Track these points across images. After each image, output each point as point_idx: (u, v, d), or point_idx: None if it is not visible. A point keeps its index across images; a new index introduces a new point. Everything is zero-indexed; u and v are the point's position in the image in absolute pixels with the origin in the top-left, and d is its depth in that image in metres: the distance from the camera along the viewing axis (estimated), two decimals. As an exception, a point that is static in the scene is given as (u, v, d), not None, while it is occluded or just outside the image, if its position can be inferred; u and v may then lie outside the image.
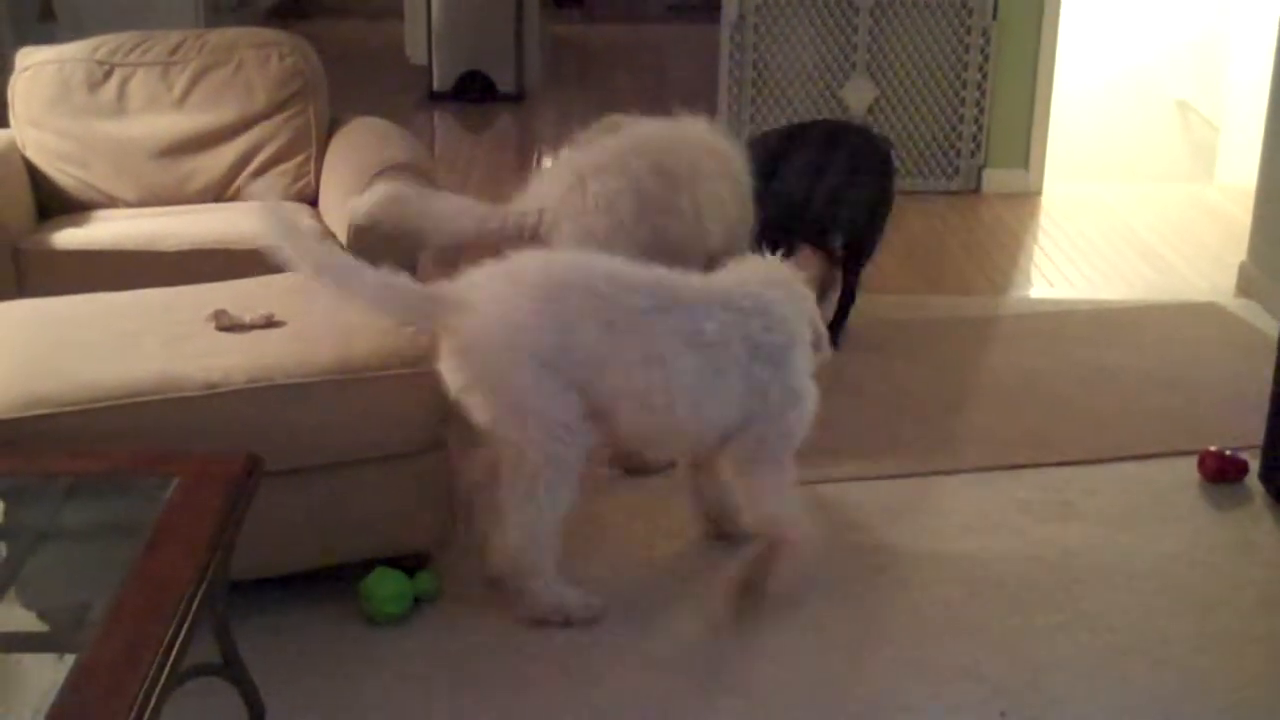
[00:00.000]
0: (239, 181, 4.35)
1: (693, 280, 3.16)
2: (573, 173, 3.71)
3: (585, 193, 3.65)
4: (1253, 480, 3.76)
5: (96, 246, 3.93)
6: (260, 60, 4.38)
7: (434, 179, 4.09)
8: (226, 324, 3.15)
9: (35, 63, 4.30)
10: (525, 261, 3.07)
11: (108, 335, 3.10)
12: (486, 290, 3.00)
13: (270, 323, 3.18)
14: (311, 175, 4.37)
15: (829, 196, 4.41)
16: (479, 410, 3.00)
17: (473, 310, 2.96)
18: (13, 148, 4.24)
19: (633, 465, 3.73)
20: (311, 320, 3.21)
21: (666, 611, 3.19)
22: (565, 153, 3.89)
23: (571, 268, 3.06)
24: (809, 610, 3.19)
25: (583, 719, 2.82)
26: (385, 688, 2.89)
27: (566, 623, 3.09)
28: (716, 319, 3.04)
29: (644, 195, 3.67)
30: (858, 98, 6.29)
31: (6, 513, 2.60)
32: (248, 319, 3.17)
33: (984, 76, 6.29)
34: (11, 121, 4.28)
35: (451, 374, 2.99)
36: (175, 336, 3.10)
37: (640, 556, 3.41)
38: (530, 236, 3.60)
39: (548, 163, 3.58)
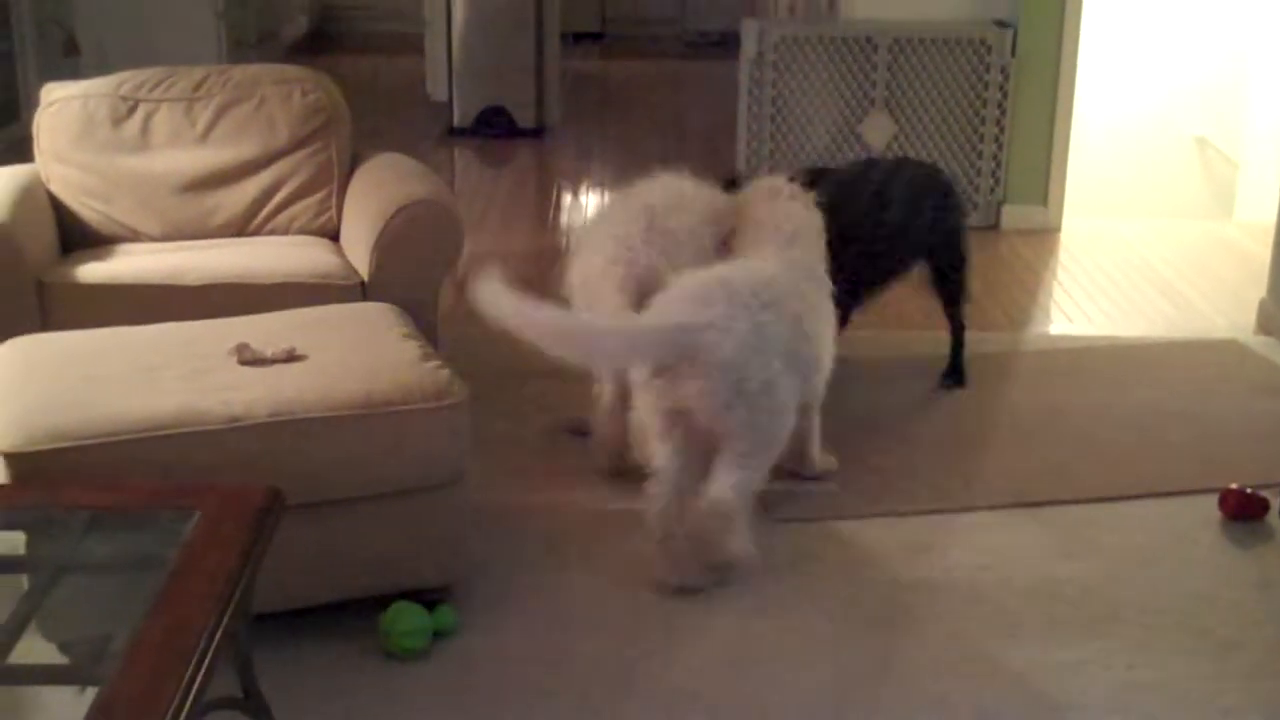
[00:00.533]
0: (261, 216, 4.37)
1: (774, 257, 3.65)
2: (642, 210, 3.83)
3: (657, 228, 3.79)
4: (1274, 518, 3.75)
5: (119, 280, 3.95)
6: (283, 96, 4.41)
7: (456, 214, 4.11)
8: (248, 358, 3.17)
9: (60, 98, 4.33)
10: (716, 276, 3.41)
11: (130, 369, 3.12)
12: (717, 309, 3.28)
13: (292, 357, 3.19)
14: (334, 211, 4.39)
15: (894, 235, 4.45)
16: (728, 419, 3.27)
17: (719, 330, 3.24)
18: (37, 182, 4.26)
19: (619, 466, 3.85)
20: (334, 354, 3.22)
21: (685, 641, 3.18)
22: (623, 193, 4.00)
23: (746, 269, 3.50)
24: (826, 646, 3.18)
25: (601, 754, 2.83)
26: (404, 722, 2.89)
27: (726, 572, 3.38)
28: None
29: (705, 234, 3.85)
30: (876, 134, 6.31)
31: (29, 545, 2.61)
32: (269, 353, 3.19)
33: (1003, 113, 6.30)
34: (36, 156, 4.30)
35: (707, 396, 3.24)
36: (197, 370, 3.11)
37: (657, 592, 3.40)
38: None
39: (588, 199, 3.74)
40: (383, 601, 3.13)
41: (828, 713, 2.95)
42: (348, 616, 3.16)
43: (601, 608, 3.32)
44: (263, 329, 3.35)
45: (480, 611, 3.26)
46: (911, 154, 6.31)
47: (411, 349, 3.27)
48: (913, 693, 3.02)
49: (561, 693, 3.00)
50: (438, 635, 3.14)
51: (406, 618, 3.09)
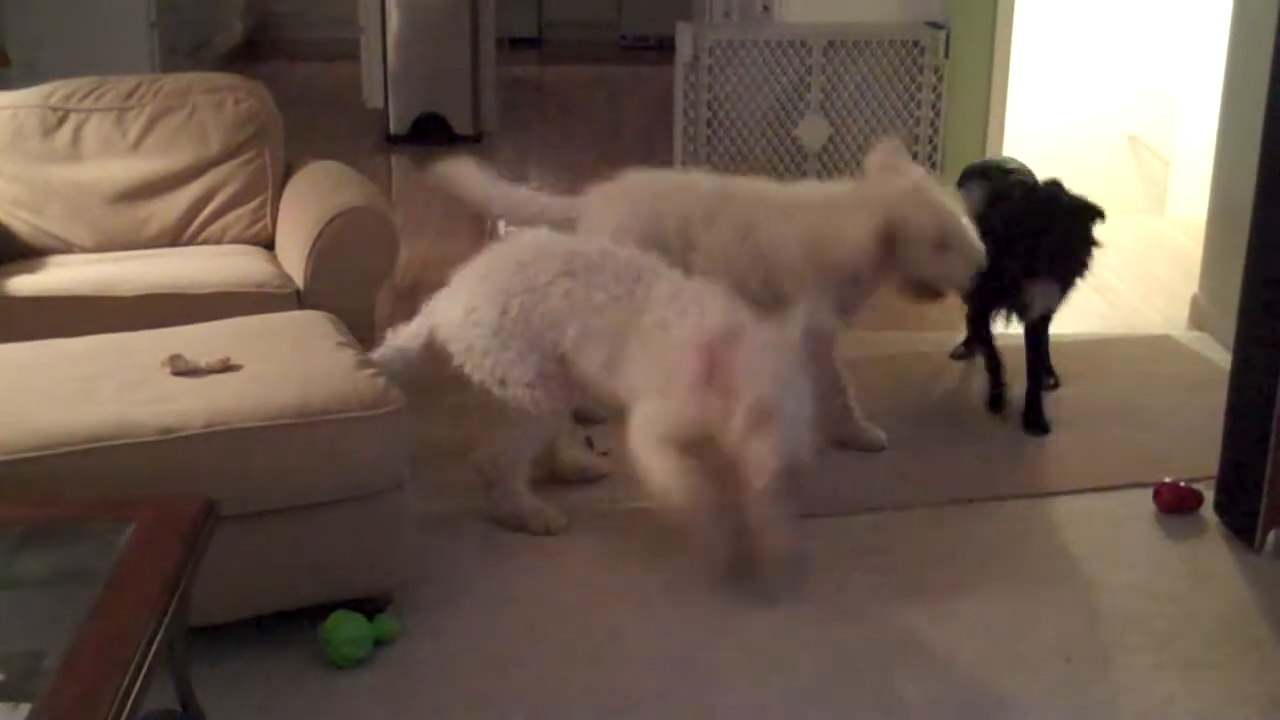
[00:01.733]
0: (195, 225, 4.34)
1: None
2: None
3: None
4: (1207, 511, 3.80)
5: (51, 292, 3.91)
6: (215, 104, 4.39)
7: (391, 222, 4.10)
8: (182, 369, 3.14)
9: (-12, 109, 4.29)
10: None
11: (63, 381, 3.09)
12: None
13: (227, 366, 3.17)
14: (268, 219, 4.37)
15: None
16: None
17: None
18: (-34, 194, 4.22)
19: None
20: (269, 364, 3.20)
21: (629, 645, 3.18)
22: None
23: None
24: (773, 644, 3.19)
25: (544, 760, 2.82)
26: (345, 732, 2.88)
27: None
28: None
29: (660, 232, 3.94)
30: (812, 137, 6.34)
31: (-40, 561, 2.57)
32: (204, 363, 3.16)
33: (937, 114, 6.35)
34: (-36, 168, 4.26)
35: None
36: (131, 382, 3.09)
37: (602, 593, 3.40)
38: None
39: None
40: (323, 611, 3.11)
41: (777, 713, 2.96)
42: (287, 627, 3.14)
43: (544, 613, 3.31)
44: (197, 339, 3.33)
45: (422, 618, 3.25)
46: (848, 156, 6.35)
47: (347, 357, 3.25)
48: (860, 690, 3.03)
49: (504, 699, 2.99)
50: (379, 643, 3.13)
51: (347, 626, 3.07)
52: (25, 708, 1.96)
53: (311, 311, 3.68)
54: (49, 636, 2.18)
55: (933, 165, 6.40)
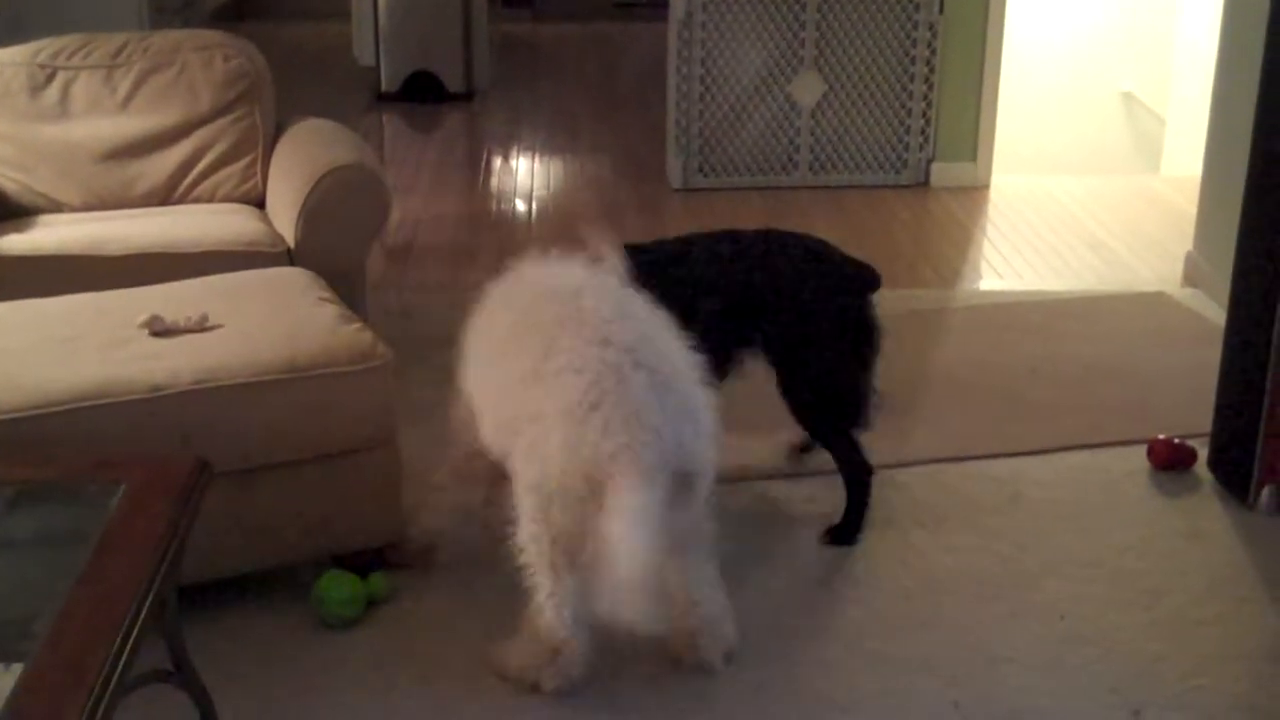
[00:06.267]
0: (185, 184, 4.32)
1: None
2: None
3: None
4: (1201, 468, 3.80)
5: (40, 251, 3.88)
6: (204, 62, 4.35)
7: (382, 179, 4.07)
8: (160, 329, 3.11)
9: (-25, 66, 4.25)
10: None
11: (44, 341, 3.07)
12: None
13: (204, 325, 3.14)
14: (258, 178, 4.34)
15: None
16: None
17: None
18: (-47, 153, 4.19)
19: None
20: (252, 320, 3.19)
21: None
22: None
23: None
24: (762, 605, 3.19)
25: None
26: (338, 691, 2.87)
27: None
28: None
29: None
30: (806, 93, 6.31)
31: (-49, 522, 2.57)
32: (181, 323, 3.13)
33: (931, 70, 6.32)
34: (-49, 126, 4.23)
35: None
36: (114, 341, 3.06)
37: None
38: None
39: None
40: (316, 569, 3.11)
41: (771, 671, 2.96)
42: (280, 586, 3.15)
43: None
44: (174, 297, 3.30)
45: (415, 577, 3.25)
46: (842, 112, 6.32)
47: (330, 312, 3.23)
48: (849, 648, 3.03)
49: (497, 657, 2.99)
50: (371, 603, 3.12)
51: (339, 586, 3.07)
52: (17, 668, 1.96)
53: (291, 268, 3.65)
54: (40, 598, 2.18)
55: (926, 122, 6.37)
